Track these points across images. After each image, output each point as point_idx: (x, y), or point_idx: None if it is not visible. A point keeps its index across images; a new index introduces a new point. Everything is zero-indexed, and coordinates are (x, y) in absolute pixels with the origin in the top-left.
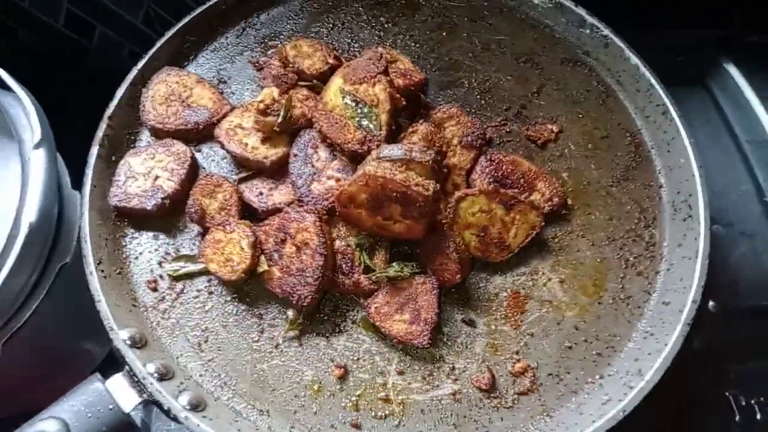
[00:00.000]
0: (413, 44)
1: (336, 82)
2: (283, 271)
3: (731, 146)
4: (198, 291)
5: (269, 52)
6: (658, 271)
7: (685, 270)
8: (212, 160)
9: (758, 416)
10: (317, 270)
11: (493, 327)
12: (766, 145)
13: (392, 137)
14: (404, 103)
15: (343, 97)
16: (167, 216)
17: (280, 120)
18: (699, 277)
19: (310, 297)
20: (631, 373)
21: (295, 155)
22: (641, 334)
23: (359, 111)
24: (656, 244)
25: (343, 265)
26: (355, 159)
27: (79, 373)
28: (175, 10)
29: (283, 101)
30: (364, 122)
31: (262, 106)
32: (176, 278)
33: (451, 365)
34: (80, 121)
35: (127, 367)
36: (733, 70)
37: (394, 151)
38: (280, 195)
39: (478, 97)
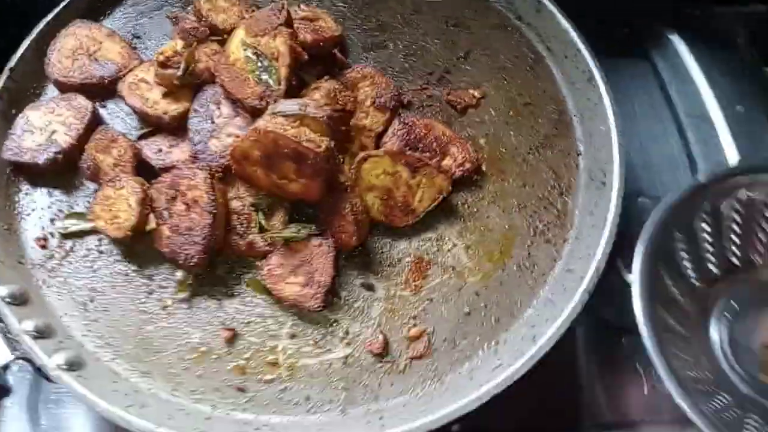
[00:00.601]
0: (341, 3)
1: (238, 34)
2: (172, 230)
3: (669, 119)
4: (88, 250)
5: (188, 8)
6: (566, 239)
7: (593, 239)
8: (117, 116)
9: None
10: (205, 229)
11: (393, 292)
12: (703, 120)
13: (294, 93)
14: (306, 57)
15: (245, 50)
16: (64, 173)
17: (180, 73)
18: (605, 246)
19: (197, 257)
20: (526, 339)
21: (196, 110)
22: (542, 301)
23: (259, 64)
24: (568, 212)
25: (238, 226)
26: (256, 114)
27: None
28: None
29: (186, 54)
30: (264, 76)
31: (161, 58)
32: (66, 236)
33: (345, 329)
34: None
35: (1, 323)
36: (677, 43)
37: (289, 106)
38: (180, 152)
39: (402, 59)
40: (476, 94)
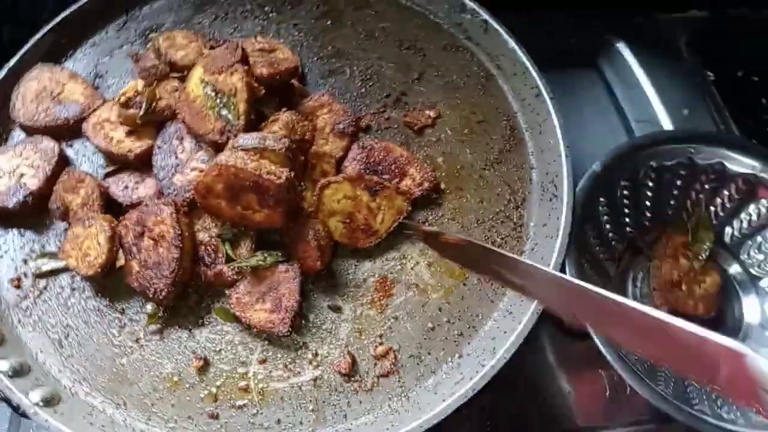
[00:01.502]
0: (297, 33)
1: (197, 72)
2: (141, 264)
3: (620, 126)
4: (61, 288)
5: (148, 45)
6: (523, 250)
7: (547, 249)
8: (83, 155)
9: (627, 391)
10: (173, 263)
11: (359, 312)
12: (652, 124)
13: (254, 126)
14: (263, 92)
15: (204, 87)
16: (35, 213)
17: (142, 113)
18: (558, 255)
19: (166, 290)
20: (487, 351)
21: (159, 147)
22: (501, 313)
23: (218, 101)
24: (524, 224)
25: (206, 257)
26: (218, 149)
27: None
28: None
29: (146, 93)
30: (224, 112)
31: (123, 98)
32: (40, 275)
33: (314, 352)
34: None
35: None
36: (624, 51)
37: (248, 140)
38: (145, 188)
39: (359, 84)
40: (431, 114)
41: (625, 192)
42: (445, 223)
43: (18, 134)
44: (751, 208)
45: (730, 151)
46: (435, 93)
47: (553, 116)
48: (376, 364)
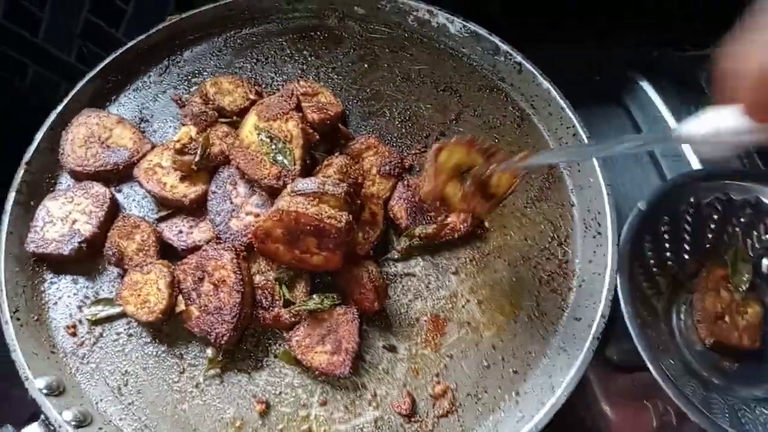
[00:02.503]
0: (336, 76)
1: (251, 119)
2: (201, 310)
3: (648, 162)
4: (117, 334)
5: (192, 90)
6: (571, 287)
7: (596, 285)
8: (133, 200)
9: (674, 420)
10: (235, 307)
11: (414, 351)
12: (679, 159)
13: (308, 171)
14: (317, 137)
15: (258, 134)
16: (87, 259)
17: (197, 159)
18: (607, 292)
19: (228, 335)
20: (545, 388)
21: (214, 192)
22: (555, 350)
23: (274, 147)
24: (569, 261)
25: (263, 300)
26: (273, 194)
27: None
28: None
29: (201, 139)
30: (279, 158)
31: (178, 145)
32: (95, 322)
33: (372, 392)
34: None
35: (42, 415)
36: (647, 88)
37: (308, 185)
38: (200, 233)
39: (399, 125)
40: None
41: (667, 227)
42: (492, 261)
43: (65, 180)
44: None
45: (765, 186)
46: (473, 133)
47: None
48: (434, 404)
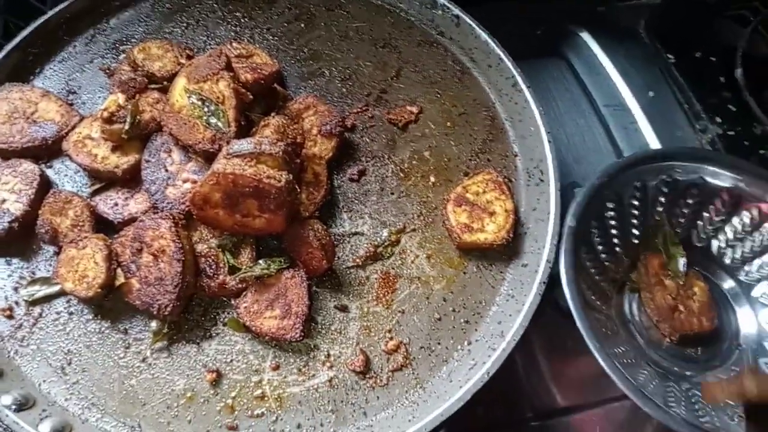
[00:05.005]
0: (271, 37)
1: (180, 82)
2: (141, 282)
3: (590, 111)
4: (57, 313)
5: (120, 58)
6: (517, 233)
7: (540, 231)
8: (65, 175)
9: None
10: (176, 277)
11: (366, 309)
12: (621, 108)
13: (244, 132)
14: (251, 97)
15: (189, 97)
16: (20, 239)
17: (127, 127)
18: (551, 237)
19: (171, 305)
20: (495, 335)
21: (147, 161)
22: (503, 297)
23: (206, 109)
24: (514, 210)
25: (207, 269)
26: (209, 158)
27: None
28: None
29: (130, 106)
30: (213, 120)
31: (106, 114)
32: (33, 303)
33: (326, 353)
34: None
35: None
36: (588, 39)
37: (243, 146)
38: (136, 204)
39: (339, 85)
40: (413, 110)
41: (612, 213)
42: (438, 216)
43: None
44: (735, 220)
45: (711, 166)
46: (414, 89)
47: (532, 104)
48: (388, 359)
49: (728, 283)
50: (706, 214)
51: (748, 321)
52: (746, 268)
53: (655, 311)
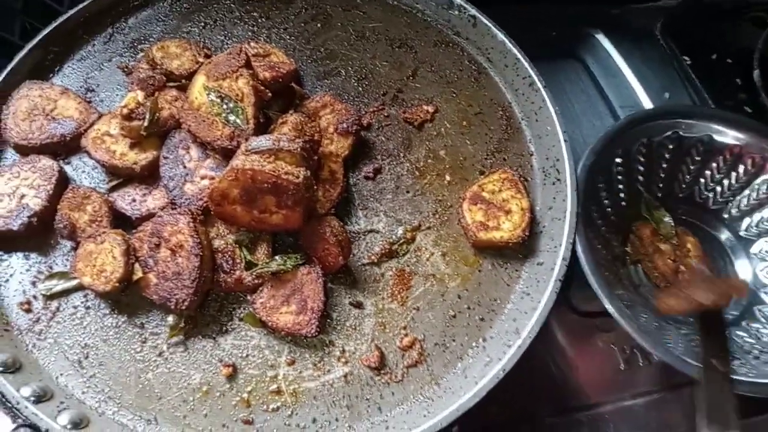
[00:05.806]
0: (288, 37)
1: (199, 79)
2: (159, 276)
3: (606, 113)
4: (75, 307)
5: (138, 57)
6: (534, 232)
7: (556, 230)
8: (83, 171)
9: (640, 362)
10: (194, 271)
11: (381, 306)
12: (636, 109)
13: (262, 130)
14: (270, 95)
15: (208, 94)
16: (38, 234)
17: (146, 123)
18: (567, 236)
19: (188, 300)
20: (510, 332)
21: (166, 158)
22: (519, 295)
23: (225, 107)
24: (530, 208)
25: (224, 264)
26: (227, 155)
27: None
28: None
29: (149, 103)
30: (231, 117)
31: (125, 111)
32: (50, 297)
33: (341, 348)
34: None
35: None
36: (604, 42)
37: (262, 142)
38: (154, 200)
39: (355, 84)
40: (429, 109)
41: (620, 169)
42: (454, 214)
43: (10, 155)
44: (734, 174)
45: (717, 125)
46: (430, 88)
47: (548, 103)
48: (403, 356)
49: (725, 235)
50: (708, 172)
51: (744, 272)
52: (746, 221)
53: (660, 278)
